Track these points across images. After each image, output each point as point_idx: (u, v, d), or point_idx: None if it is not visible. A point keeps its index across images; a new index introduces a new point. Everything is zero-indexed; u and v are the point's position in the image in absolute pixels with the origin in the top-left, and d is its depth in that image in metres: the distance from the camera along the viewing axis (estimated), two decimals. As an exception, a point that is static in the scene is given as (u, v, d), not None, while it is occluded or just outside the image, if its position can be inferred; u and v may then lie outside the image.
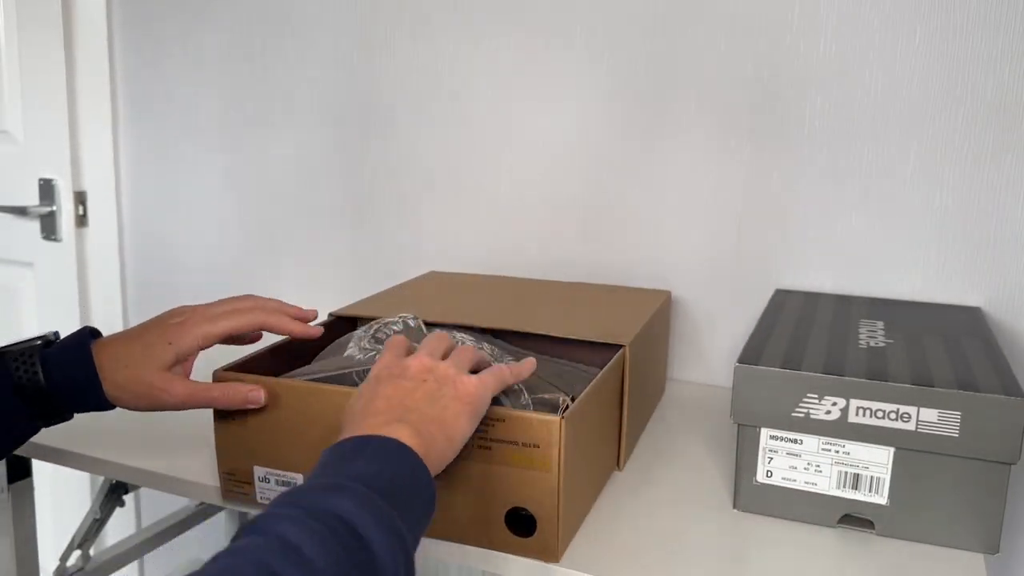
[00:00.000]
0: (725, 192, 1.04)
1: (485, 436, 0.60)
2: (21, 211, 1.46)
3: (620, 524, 0.69)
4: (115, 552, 1.11)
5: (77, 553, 1.03)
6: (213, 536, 1.48)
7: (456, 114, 1.17)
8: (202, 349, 0.68)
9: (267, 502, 0.62)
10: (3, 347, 0.65)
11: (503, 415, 0.60)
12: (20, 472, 0.91)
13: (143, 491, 1.46)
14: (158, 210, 1.43)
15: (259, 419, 0.67)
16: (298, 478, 0.67)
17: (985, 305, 0.95)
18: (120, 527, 1.52)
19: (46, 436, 0.84)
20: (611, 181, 1.09)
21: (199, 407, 0.66)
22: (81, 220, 1.47)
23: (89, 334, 0.66)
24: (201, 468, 0.77)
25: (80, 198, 1.46)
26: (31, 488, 0.93)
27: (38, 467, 0.94)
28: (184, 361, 0.67)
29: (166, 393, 0.64)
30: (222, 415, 0.67)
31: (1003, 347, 0.94)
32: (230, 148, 1.34)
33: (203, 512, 1.25)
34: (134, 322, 1.48)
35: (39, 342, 0.65)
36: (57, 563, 1.02)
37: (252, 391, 0.65)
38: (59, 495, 1.55)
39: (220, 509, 1.30)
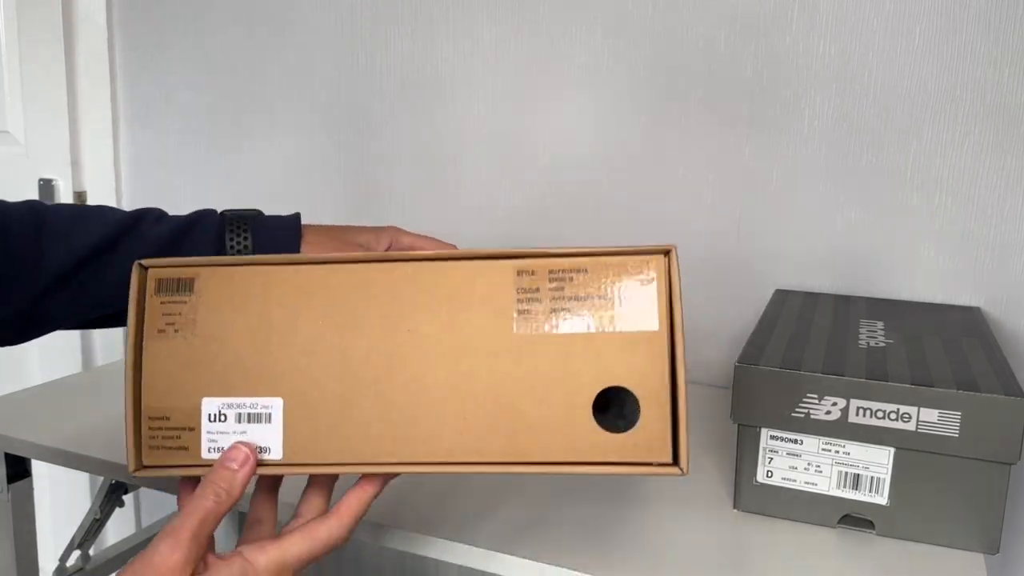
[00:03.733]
0: (725, 192, 1.04)
1: (560, 295, 0.46)
2: (21, 211, 1.46)
3: (619, 524, 0.69)
4: (115, 552, 1.11)
5: (77, 553, 1.03)
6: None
7: (457, 115, 1.17)
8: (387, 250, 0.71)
9: (215, 457, 0.48)
10: (223, 212, 0.69)
11: (583, 265, 0.47)
12: (20, 472, 0.91)
13: (143, 491, 1.45)
14: (158, 210, 1.43)
15: (215, 324, 0.49)
16: (274, 404, 0.49)
17: (985, 305, 0.95)
18: (120, 527, 1.52)
19: (45, 436, 0.84)
20: (609, 182, 1.09)
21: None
22: (81, 220, 1.47)
23: (298, 217, 0.70)
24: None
25: (80, 199, 1.46)
26: (31, 488, 0.93)
27: (37, 467, 0.94)
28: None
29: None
30: (161, 328, 0.50)
31: (1003, 347, 0.94)
32: (230, 149, 1.34)
33: (203, 512, 1.24)
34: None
35: (252, 213, 0.69)
36: (57, 563, 1.02)
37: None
38: (59, 495, 1.55)
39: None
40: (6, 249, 0.60)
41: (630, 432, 0.45)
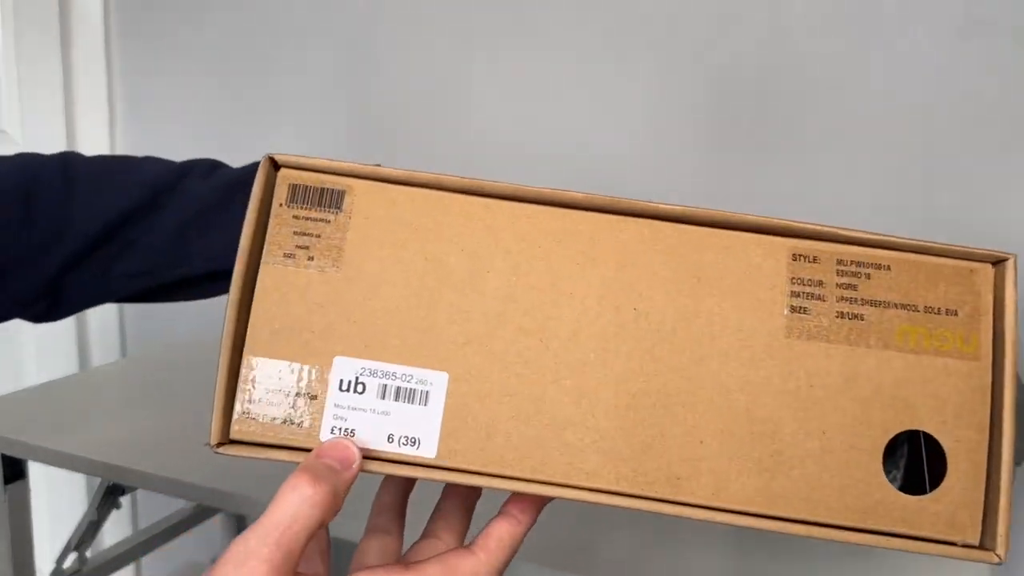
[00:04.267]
0: (727, 194, 1.03)
1: (852, 296, 0.35)
2: (18, 211, 1.45)
3: (616, 524, 0.69)
4: (112, 554, 1.10)
5: (73, 555, 1.03)
6: (210, 538, 1.47)
7: (459, 110, 1.16)
8: None
9: (341, 435, 0.35)
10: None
11: (885, 259, 0.37)
12: (16, 473, 0.91)
13: (139, 493, 1.45)
14: (156, 210, 1.42)
15: (369, 257, 0.36)
16: (435, 379, 0.35)
17: (987, 306, 0.94)
18: (116, 529, 1.51)
19: (42, 438, 0.83)
20: (609, 184, 1.09)
21: None
22: (78, 220, 1.46)
23: None
24: (197, 469, 0.77)
25: (77, 198, 1.45)
26: (27, 489, 0.92)
27: (34, 468, 0.93)
28: None
29: None
30: (289, 252, 0.36)
31: (1005, 348, 0.94)
32: (229, 149, 1.33)
33: (200, 514, 1.24)
34: (129, 326, 1.48)
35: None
36: (53, 565, 1.02)
37: None
38: (55, 497, 1.54)
39: (217, 511, 1.30)
40: (31, 214, 0.52)
41: (930, 496, 0.33)
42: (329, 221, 0.36)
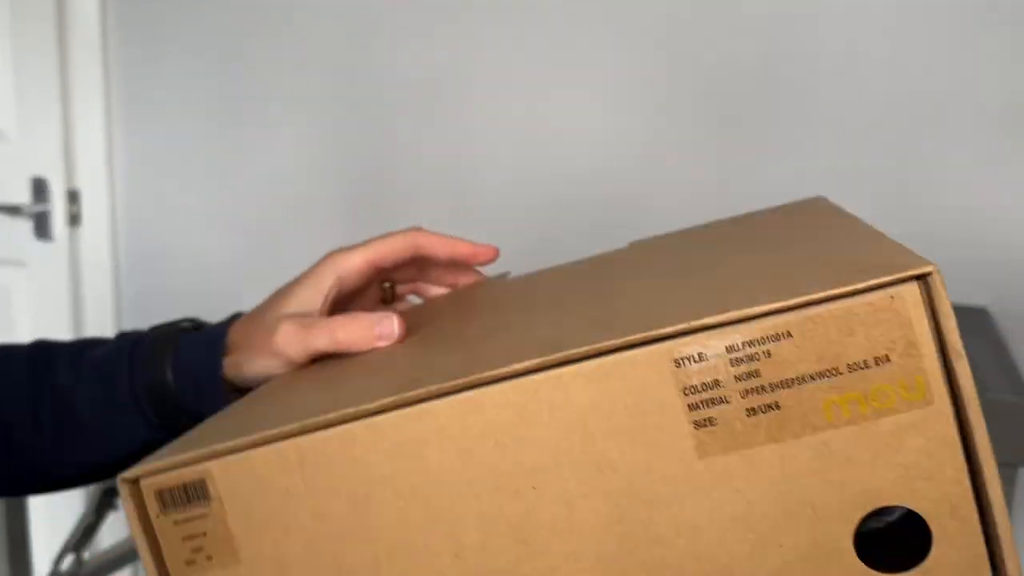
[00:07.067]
0: (728, 191, 1.03)
1: (759, 385, 0.29)
2: (14, 210, 1.45)
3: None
4: (109, 556, 1.10)
5: (71, 557, 1.02)
6: (208, 538, 1.47)
7: (458, 110, 1.16)
8: (336, 291, 0.49)
9: None
10: (146, 332, 0.52)
11: (784, 326, 0.28)
12: (12, 475, 0.90)
13: (138, 493, 1.44)
14: (152, 209, 1.42)
15: (257, 536, 0.33)
16: None
17: (991, 305, 0.94)
18: (114, 531, 1.50)
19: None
20: (610, 180, 1.09)
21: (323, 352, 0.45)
22: (74, 219, 1.45)
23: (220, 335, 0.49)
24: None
25: (73, 197, 1.44)
26: (23, 491, 0.92)
27: (30, 470, 0.93)
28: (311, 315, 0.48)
29: (276, 347, 0.44)
30: (189, 560, 0.35)
31: (1009, 348, 0.93)
32: (227, 146, 1.33)
33: (198, 514, 1.24)
34: (127, 325, 1.47)
35: (183, 326, 0.51)
36: (51, 567, 1.01)
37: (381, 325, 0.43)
38: (52, 498, 1.53)
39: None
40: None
41: (920, 568, 0.28)
42: (205, 515, 0.33)
